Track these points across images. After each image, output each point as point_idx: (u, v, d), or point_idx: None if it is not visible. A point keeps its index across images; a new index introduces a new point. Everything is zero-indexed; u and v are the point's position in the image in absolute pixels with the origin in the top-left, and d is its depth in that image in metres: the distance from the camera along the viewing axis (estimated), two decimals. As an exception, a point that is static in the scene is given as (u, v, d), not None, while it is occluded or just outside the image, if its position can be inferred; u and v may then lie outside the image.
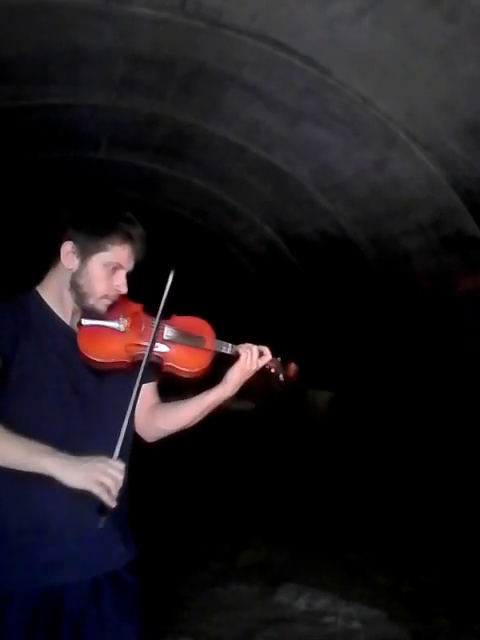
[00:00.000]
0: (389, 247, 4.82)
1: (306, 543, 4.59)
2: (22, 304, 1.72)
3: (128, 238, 1.67)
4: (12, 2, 3.17)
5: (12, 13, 3.24)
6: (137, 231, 1.69)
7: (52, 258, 1.73)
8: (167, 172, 6.15)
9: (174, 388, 1.90)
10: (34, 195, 7.12)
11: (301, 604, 3.73)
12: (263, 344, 1.87)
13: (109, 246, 1.66)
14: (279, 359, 1.90)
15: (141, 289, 1.82)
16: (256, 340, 1.90)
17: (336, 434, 6.32)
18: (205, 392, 1.81)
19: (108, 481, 1.46)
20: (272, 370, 1.88)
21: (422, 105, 3.39)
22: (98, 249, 1.66)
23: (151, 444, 1.92)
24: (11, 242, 7.60)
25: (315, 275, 6.31)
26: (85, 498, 1.65)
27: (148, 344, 1.68)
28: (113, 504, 1.45)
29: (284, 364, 1.91)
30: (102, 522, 1.49)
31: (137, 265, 1.73)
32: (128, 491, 1.83)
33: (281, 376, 1.90)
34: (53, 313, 1.74)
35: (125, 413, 1.79)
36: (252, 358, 1.80)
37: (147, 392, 1.85)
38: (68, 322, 1.74)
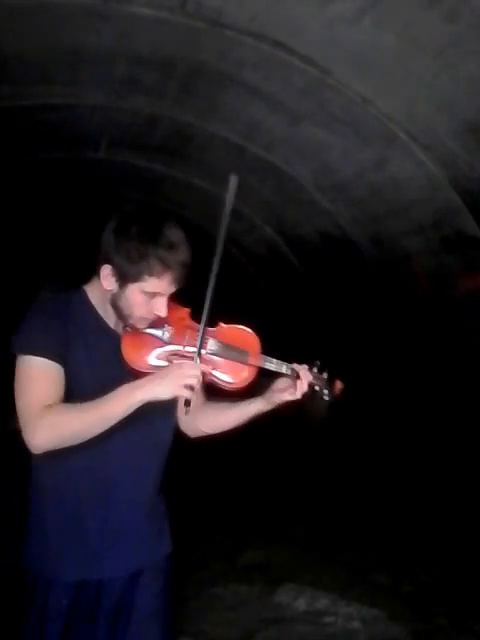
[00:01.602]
0: (389, 247, 4.82)
1: (306, 543, 4.59)
2: (66, 301, 1.73)
3: (167, 268, 1.61)
4: (12, 2, 3.17)
5: (12, 13, 3.23)
6: (177, 258, 1.62)
7: (97, 267, 1.70)
8: (167, 172, 6.14)
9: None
10: (34, 195, 7.11)
11: (301, 604, 3.73)
12: (270, 349, 1.77)
13: (146, 277, 1.61)
14: (325, 376, 1.79)
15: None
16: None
17: (336, 434, 6.32)
18: (246, 402, 1.79)
19: (190, 381, 1.54)
20: (316, 388, 1.77)
21: (422, 105, 3.39)
22: (135, 279, 1.62)
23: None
24: (11, 241, 7.60)
25: (315, 275, 6.31)
26: (123, 494, 1.73)
27: (191, 356, 1.66)
28: (193, 397, 1.56)
29: (330, 381, 1.80)
30: (187, 411, 1.61)
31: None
32: (161, 487, 1.89)
33: (326, 395, 1.78)
34: (98, 315, 1.75)
35: (167, 411, 1.82)
36: (302, 389, 1.71)
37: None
38: (112, 325, 1.75)
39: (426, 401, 4.94)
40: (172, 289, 1.66)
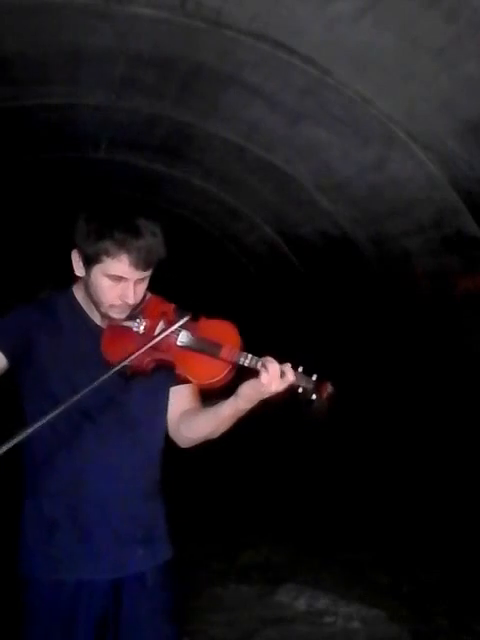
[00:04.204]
0: (389, 247, 4.82)
1: (306, 543, 4.59)
2: (50, 304, 1.75)
3: (122, 249, 1.59)
4: (12, 2, 3.17)
5: (12, 13, 3.24)
6: (136, 243, 1.60)
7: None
8: (167, 172, 6.14)
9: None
10: (34, 195, 7.11)
11: (301, 604, 3.73)
12: (270, 349, 1.65)
13: (104, 258, 1.61)
14: (313, 379, 1.64)
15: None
16: (256, 340, 1.83)
17: (335, 434, 6.32)
18: (219, 404, 1.70)
19: None
20: (300, 390, 1.63)
21: (422, 105, 3.39)
22: (96, 260, 1.63)
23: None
24: (11, 241, 7.60)
25: (316, 275, 6.31)
26: (96, 493, 1.70)
27: (156, 347, 1.62)
28: None
29: (317, 385, 1.63)
30: None
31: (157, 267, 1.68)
32: (159, 493, 1.84)
33: (314, 399, 1.62)
34: (83, 313, 1.75)
35: (155, 412, 1.80)
36: (270, 378, 1.56)
37: (179, 396, 1.80)
38: (98, 322, 1.75)
39: (426, 401, 4.94)
40: (136, 274, 1.63)
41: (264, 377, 1.56)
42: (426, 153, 3.67)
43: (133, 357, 1.58)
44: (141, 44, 3.67)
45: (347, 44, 3.18)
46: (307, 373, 1.65)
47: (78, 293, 1.76)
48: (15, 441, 1.39)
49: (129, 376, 1.65)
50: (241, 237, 7.27)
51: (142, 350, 1.60)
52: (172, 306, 1.73)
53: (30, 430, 1.40)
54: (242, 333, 1.75)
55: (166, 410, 1.81)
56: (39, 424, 1.41)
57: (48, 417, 1.42)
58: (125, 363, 1.58)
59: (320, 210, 5.19)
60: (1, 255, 7.33)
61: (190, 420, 1.78)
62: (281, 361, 1.61)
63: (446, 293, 4.44)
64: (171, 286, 1.72)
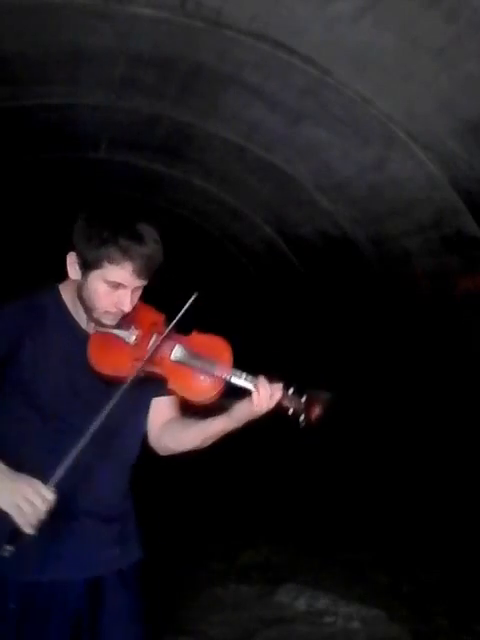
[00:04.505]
0: (389, 247, 4.82)
1: (306, 543, 4.59)
2: (40, 301, 1.71)
3: (126, 257, 1.56)
4: (12, 2, 3.17)
5: (12, 13, 3.24)
6: (140, 250, 1.57)
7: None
8: (167, 172, 6.14)
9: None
10: (34, 195, 7.12)
11: (301, 604, 3.73)
12: (270, 350, 1.65)
13: (105, 264, 1.57)
14: (303, 399, 1.64)
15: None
16: (256, 341, 1.82)
17: (335, 434, 6.32)
18: (211, 419, 1.69)
19: (27, 507, 1.40)
20: (290, 411, 1.63)
21: (422, 105, 3.39)
22: (96, 265, 1.59)
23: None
24: (10, 242, 7.60)
25: (316, 275, 6.31)
26: (71, 493, 1.66)
27: (148, 360, 1.60)
28: (28, 531, 1.40)
29: (307, 407, 1.63)
30: (7, 551, 1.43)
31: (153, 276, 1.64)
32: (130, 493, 1.84)
33: (302, 419, 1.63)
34: (69, 314, 1.71)
35: (136, 421, 1.78)
36: (261, 399, 1.58)
37: (161, 406, 1.79)
38: (84, 325, 1.71)
39: (426, 401, 4.94)
40: (136, 282, 1.60)
41: (256, 398, 1.58)
42: (426, 153, 3.67)
43: (134, 372, 1.56)
44: (141, 44, 3.67)
45: (347, 44, 3.18)
46: (298, 393, 1.65)
47: (66, 294, 1.72)
48: (67, 465, 1.47)
49: (113, 384, 1.61)
50: (241, 237, 7.27)
51: (141, 365, 1.58)
52: (162, 317, 1.70)
53: (79, 445, 1.50)
54: (242, 334, 1.74)
55: (146, 419, 1.80)
56: (82, 444, 1.50)
57: (92, 427, 1.52)
58: (130, 377, 1.57)
59: (320, 210, 5.19)
60: (1, 255, 7.33)
61: (176, 432, 1.77)
62: (272, 380, 1.61)
63: (446, 293, 4.44)
64: (171, 287, 1.69)
